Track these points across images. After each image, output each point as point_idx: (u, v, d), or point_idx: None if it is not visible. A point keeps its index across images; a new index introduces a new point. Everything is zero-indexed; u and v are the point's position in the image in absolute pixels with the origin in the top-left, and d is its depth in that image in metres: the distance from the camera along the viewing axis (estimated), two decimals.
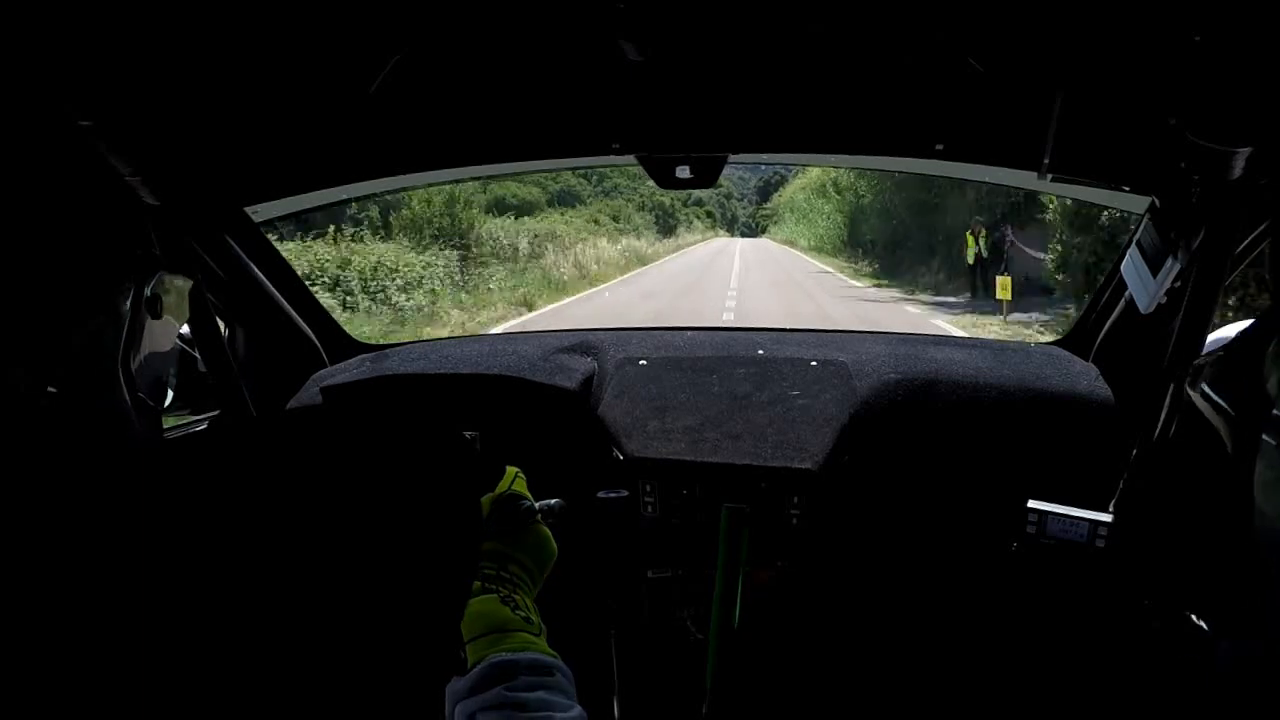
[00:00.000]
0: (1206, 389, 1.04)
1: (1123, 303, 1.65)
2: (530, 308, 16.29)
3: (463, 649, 0.83)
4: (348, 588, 0.65)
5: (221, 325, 1.72)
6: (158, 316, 1.03)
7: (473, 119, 1.41)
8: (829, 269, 26.85)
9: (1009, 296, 13.05)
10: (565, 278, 20.80)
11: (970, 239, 16.12)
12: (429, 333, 12.16)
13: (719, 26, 1.10)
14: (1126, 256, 1.48)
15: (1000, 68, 1.14)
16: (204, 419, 1.68)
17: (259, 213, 1.71)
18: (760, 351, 1.84)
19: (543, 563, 1.00)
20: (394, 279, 15.04)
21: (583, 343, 1.91)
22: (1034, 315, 13.34)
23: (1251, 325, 1.09)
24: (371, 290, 14.41)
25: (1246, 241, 1.34)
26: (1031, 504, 1.43)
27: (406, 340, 2.22)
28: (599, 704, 1.57)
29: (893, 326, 9.20)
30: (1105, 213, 10.62)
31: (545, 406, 1.72)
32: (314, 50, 1.10)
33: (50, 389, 0.92)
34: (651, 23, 1.04)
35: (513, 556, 0.96)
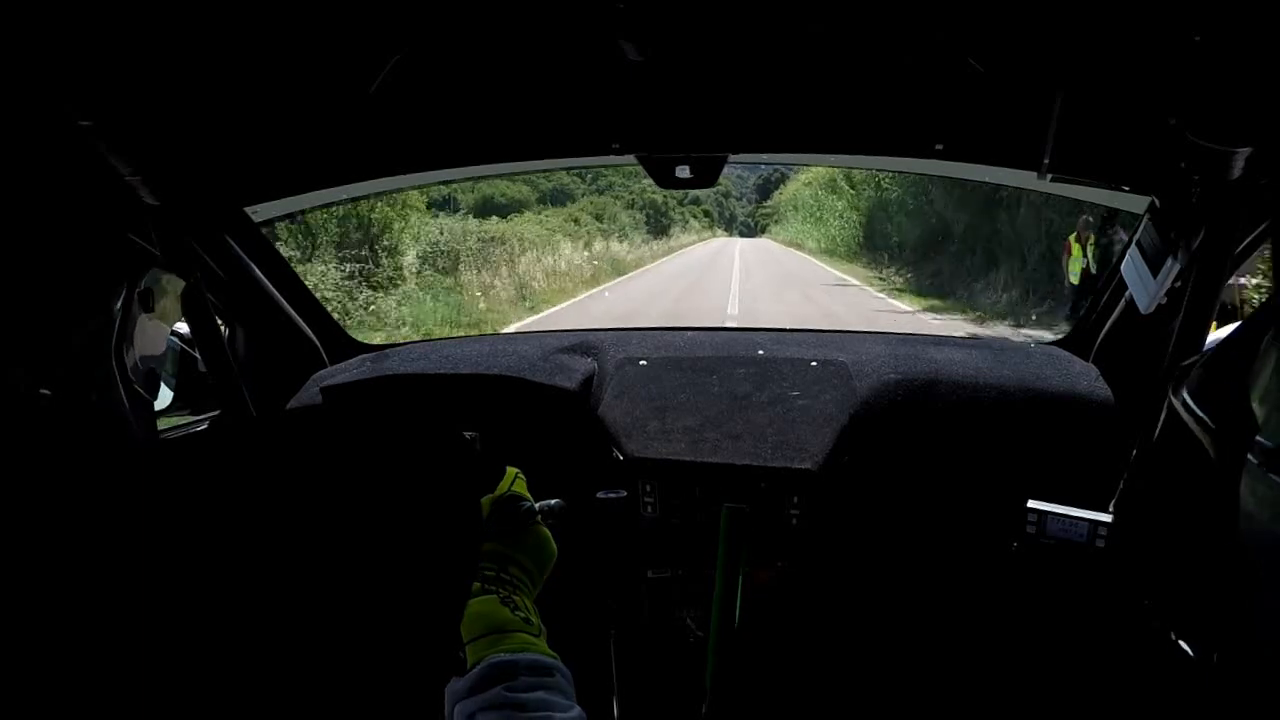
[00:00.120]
0: (1189, 400, 1.03)
1: (1123, 303, 1.65)
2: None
3: (462, 649, 0.83)
4: (348, 588, 0.65)
5: (221, 325, 1.72)
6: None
7: (473, 119, 1.41)
8: (849, 278, 21.20)
9: None
10: (494, 303, 15.24)
11: (1075, 247, 11.35)
12: None
13: (719, 26, 1.10)
14: (1126, 257, 1.48)
15: (1000, 68, 1.14)
16: (204, 419, 1.68)
17: (259, 213, 1.71)
18: (760, 352, 1.84)
19: (543, 564, 1.00)
20: None
21: (583, 343, 1.91)
22: None
23: (1237, 329, 1.09)
24: None
25: (1246, 241, 1.34)
26: (1031, 504, 1.43)
27: (406, 340, 2.22)
28: (599, 704, 1.57)
29: None
30: None
31: (545, 407, 1.72)
32: (314, 50, 1.10)
33: (49, 389, 0.92)
34: (651, 23, 1.04)
35: (513, 557, 0.96)
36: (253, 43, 1.05)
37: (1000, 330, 13.14)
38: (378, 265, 13.73)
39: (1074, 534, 1.40)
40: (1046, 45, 1.09)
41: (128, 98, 1.07)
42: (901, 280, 19.08)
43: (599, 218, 30.86)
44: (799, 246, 33.75)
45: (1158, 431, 1.34)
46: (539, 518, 1.01)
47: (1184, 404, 1.04)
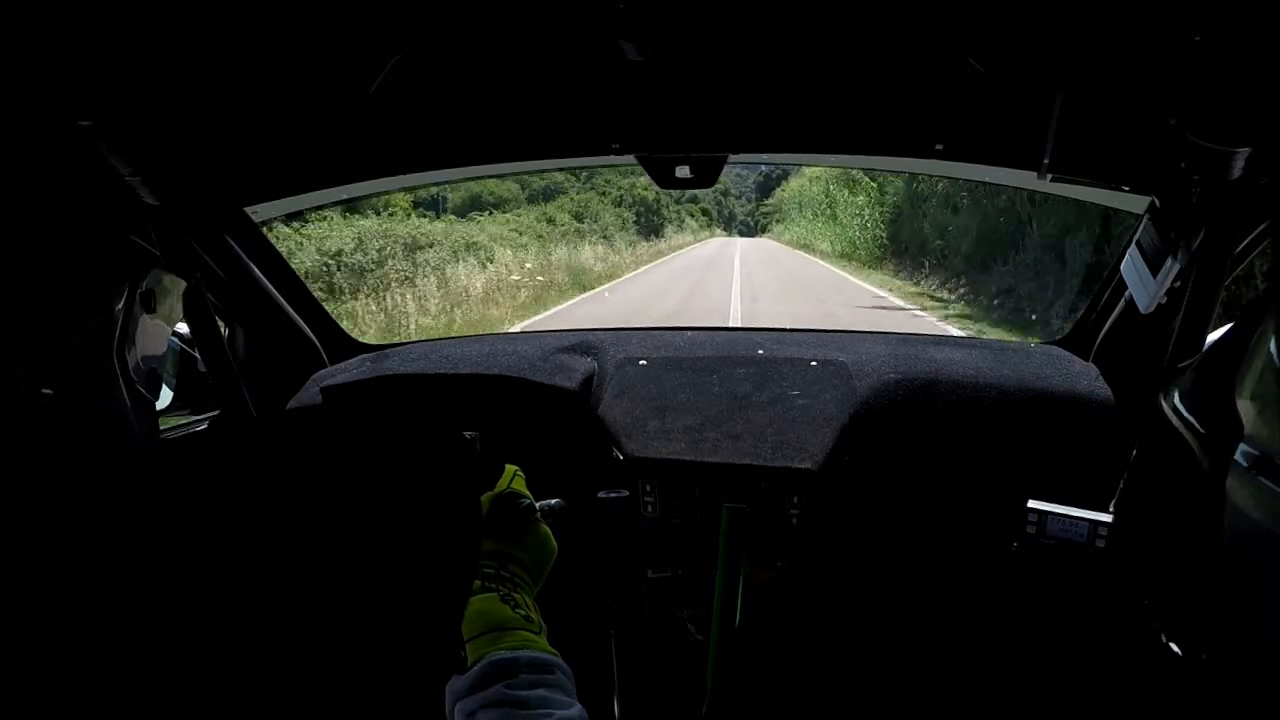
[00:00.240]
0: (1178, 404, 1.03)
1: (1123, 303, 1.65)
2: None
3: (463, 647, 0.83)
4: (348, 587, 0.65)
5: (221, 325, 1.72)
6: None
7: (473, 119, 1.41)
8: (885, 293, 16.38)
9: None
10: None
11: None
12: None
13: (719, 27, 1.11)
14: (1126, 256, 1.48)
15: (1000, 68, 1.14)
16: (204, 419, 1.68)
17: (259, 213, 1.71)
18: (760, 351, 1.84)
19: (543, 561, 1.00)
20: None
21: (583, 343, 1.91)
22: None
23: (1226, 332, 1.09)
24: None
25: (1246, 241, 1.34)
26: (1031, 504, 1.43)
27: (406, 340, 2.22)
28: (599, 703, 1.57)
29: None
30: None
31: (545, 406, 1.72)
32: (314, 50, 1.11)
33: (51, 389, 0.92)
34: (651, 23, 1.04)
35: (513, 555, 0.96)
36: (252, 43, 1.05)
37: None
38: None
39: (1074, 534, 1.40)
40: (1046, 45, 1.09)
41: (128, 98, 1.07)
42: (957, 299, 14.76)
43: (579, 216, 26.18)
44: (808, 248, 29.67)
45: (1159, 431, 1.34)
46: (538, 515, 1.01)
47: (1173, 408, 1.04)
